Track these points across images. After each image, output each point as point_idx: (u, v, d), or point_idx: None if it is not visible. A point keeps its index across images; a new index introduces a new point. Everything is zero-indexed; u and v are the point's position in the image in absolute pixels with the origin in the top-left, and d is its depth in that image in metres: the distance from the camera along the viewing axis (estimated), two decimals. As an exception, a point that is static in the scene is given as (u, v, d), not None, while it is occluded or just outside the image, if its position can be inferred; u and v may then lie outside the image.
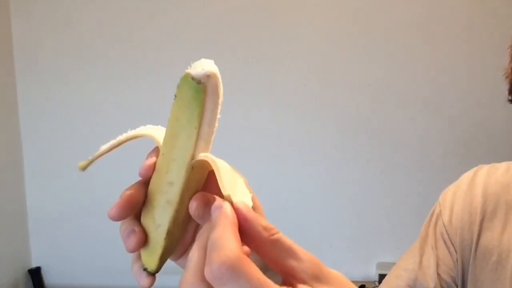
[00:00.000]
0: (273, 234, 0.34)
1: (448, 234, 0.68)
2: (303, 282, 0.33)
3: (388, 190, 1.91)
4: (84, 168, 0.43)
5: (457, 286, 0.66)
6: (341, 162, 1.91)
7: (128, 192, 0.39)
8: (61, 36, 1.93)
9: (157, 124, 0.44)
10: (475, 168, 0.71)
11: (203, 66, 0.36)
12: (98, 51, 1.92)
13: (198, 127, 0.36)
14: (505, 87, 0.67)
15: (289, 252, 0.34)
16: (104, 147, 0.43)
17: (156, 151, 0.41)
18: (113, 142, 0.43)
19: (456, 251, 0.66)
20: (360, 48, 1.86)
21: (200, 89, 0.36)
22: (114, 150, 0.42)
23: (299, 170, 1.92)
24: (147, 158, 0.40)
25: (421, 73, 1.85)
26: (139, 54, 1.91)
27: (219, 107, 0.38)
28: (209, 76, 0.36)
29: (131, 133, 0.43)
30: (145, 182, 0.40)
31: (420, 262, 0.68)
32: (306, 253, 0.34)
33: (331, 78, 1.88)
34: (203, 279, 0.31)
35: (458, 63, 1.83)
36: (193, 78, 0.36)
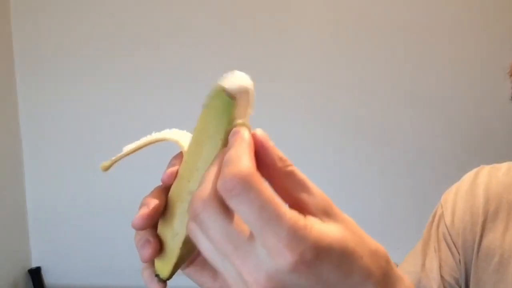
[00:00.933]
0: (287, 166, 0.34)
1: (450, 235, 0.67)
2: (313, 215, 0.33)
3: (387, 190, 1.91)
4: (107, 169, 0.43)
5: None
6: (341, 162, 1.91)
7: (153, 201, 0.39)
8: (61, 36, 1.93)
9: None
10: (476, 169, 0.71)
11: (237, 80, 0.35)
12: (98, 51, 1.92)
13: (224, 139, 0.36)
14: (506, 86, 0.67)
15: (302, 186, 0.34)
16: (128, 148, 0.42)
17: (179, 157, 0.40)
18: (137, 143, 0.42)
19: (458, 252, 0.66)
20: (361, 47, 1.86)
21: (232, 103, 0.35)
22: (138, 151, 0.42)
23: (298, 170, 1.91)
24: (169, 164, 0.40)
25: (422, 73, 1.85)
26: (141, 55, 1.90)
27: (248, 120, 0.38)
28: (242, 91, 0.36)
29: (157, 135, 0.42)
30: (166, 189, 0.40)
31: (423, 264, 0.68)
32: (318, 190, 0.34)
33: (331, 78, 1.88)
34: (216, 196, 0.32)
35: (459, 62, 1.83)
36: (225, 92, 0.35)
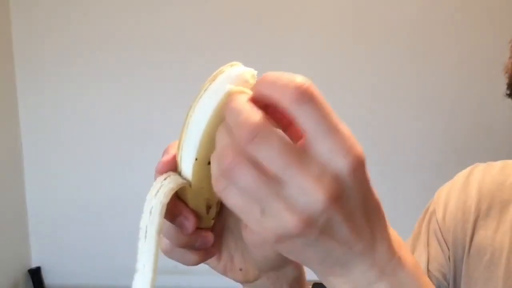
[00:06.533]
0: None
1: (441, 231, 0.68)
2: None
3: (388, 190, 1.90)
4: None
5: (448, 284, 0.67)
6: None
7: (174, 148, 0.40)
8: (61, 36, 1.93)
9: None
10: (470, 167, 0.72)
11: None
12: (98, 51, 1.92)
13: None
14: (505, 86, 0.67)
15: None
16: None
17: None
18: None
19: (448, 248, 0.67)
20: (360, 47, 1.86)
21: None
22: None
23: (299, 170, 1.91)
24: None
25: (422, 72, 1.85)
26: (141, 55, 1.90)
27: None
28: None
29: None
30: None
31: None
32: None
33: (330, 77, 1.88)
34: (240, 146, 0.32)
35: (459, 62, 1.83)
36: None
